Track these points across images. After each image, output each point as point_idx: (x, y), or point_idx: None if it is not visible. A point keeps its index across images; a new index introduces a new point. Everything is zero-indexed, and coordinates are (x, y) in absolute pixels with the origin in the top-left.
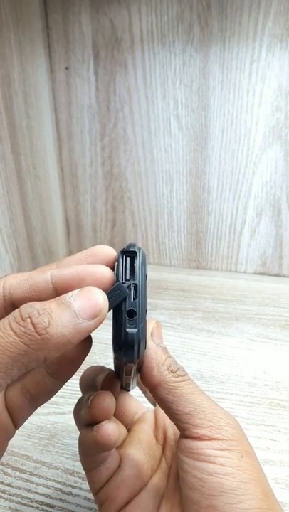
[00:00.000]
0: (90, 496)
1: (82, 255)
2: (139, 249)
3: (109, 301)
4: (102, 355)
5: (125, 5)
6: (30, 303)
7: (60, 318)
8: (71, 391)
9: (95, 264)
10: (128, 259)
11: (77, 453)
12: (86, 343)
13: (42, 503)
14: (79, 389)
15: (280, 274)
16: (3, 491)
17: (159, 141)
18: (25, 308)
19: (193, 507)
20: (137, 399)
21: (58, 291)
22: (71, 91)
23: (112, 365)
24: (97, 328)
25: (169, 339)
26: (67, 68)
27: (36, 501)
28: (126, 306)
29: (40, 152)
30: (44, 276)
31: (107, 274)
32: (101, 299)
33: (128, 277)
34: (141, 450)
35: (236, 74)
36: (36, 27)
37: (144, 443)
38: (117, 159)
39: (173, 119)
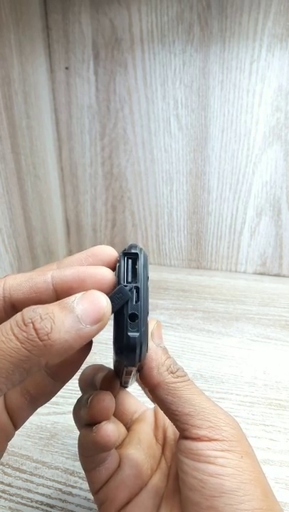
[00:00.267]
0: (90, 496)
1: (82, 255)
2: (141, 250)
3: (111, 304)
4: (102, 355)
5: (125, 5)
6: (33, 306)
7: (62, 324)
8: (71, 391)
9: (96, 265)
10: (130, 260)
11: (77, 453)
12: (87, 345)
13: (42, 503)
14: (79, 389)
15: (280, 274)
16: (3, 491)
17: (159, 141)
18: (28, 313)
19: (194, 508)
20: (136, 398)
21: (58, 292)
22: (71, 91)
23: (112, 364)
24: None
25: (169, 339)
26: (67, 68)
27: (36, 501)
28: (128, 310)
29: (40, 152)
30: (45, 277)
31: (108, 275)
32: (104, 303)
33: (130, 280)
34: (140, 450)
35: (236, 74)
36: (36, 27)
37: (144, 443)
38: (117, 159)
39: (173, 119)
